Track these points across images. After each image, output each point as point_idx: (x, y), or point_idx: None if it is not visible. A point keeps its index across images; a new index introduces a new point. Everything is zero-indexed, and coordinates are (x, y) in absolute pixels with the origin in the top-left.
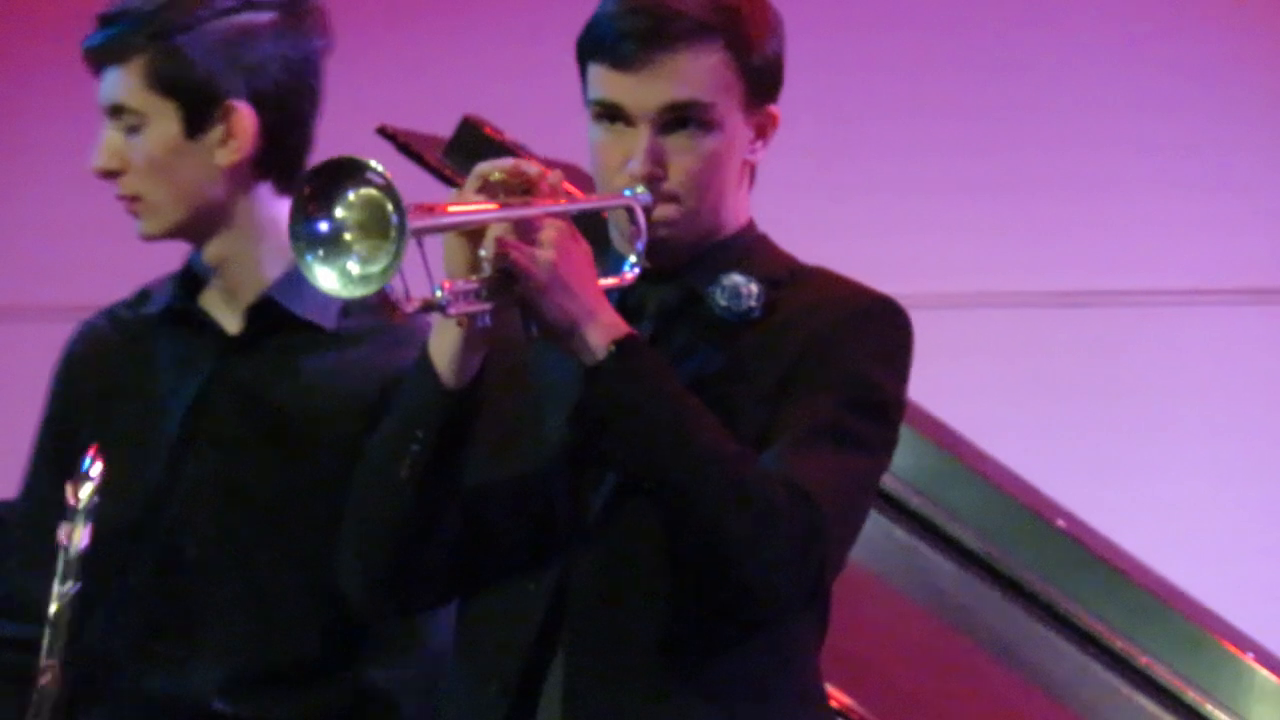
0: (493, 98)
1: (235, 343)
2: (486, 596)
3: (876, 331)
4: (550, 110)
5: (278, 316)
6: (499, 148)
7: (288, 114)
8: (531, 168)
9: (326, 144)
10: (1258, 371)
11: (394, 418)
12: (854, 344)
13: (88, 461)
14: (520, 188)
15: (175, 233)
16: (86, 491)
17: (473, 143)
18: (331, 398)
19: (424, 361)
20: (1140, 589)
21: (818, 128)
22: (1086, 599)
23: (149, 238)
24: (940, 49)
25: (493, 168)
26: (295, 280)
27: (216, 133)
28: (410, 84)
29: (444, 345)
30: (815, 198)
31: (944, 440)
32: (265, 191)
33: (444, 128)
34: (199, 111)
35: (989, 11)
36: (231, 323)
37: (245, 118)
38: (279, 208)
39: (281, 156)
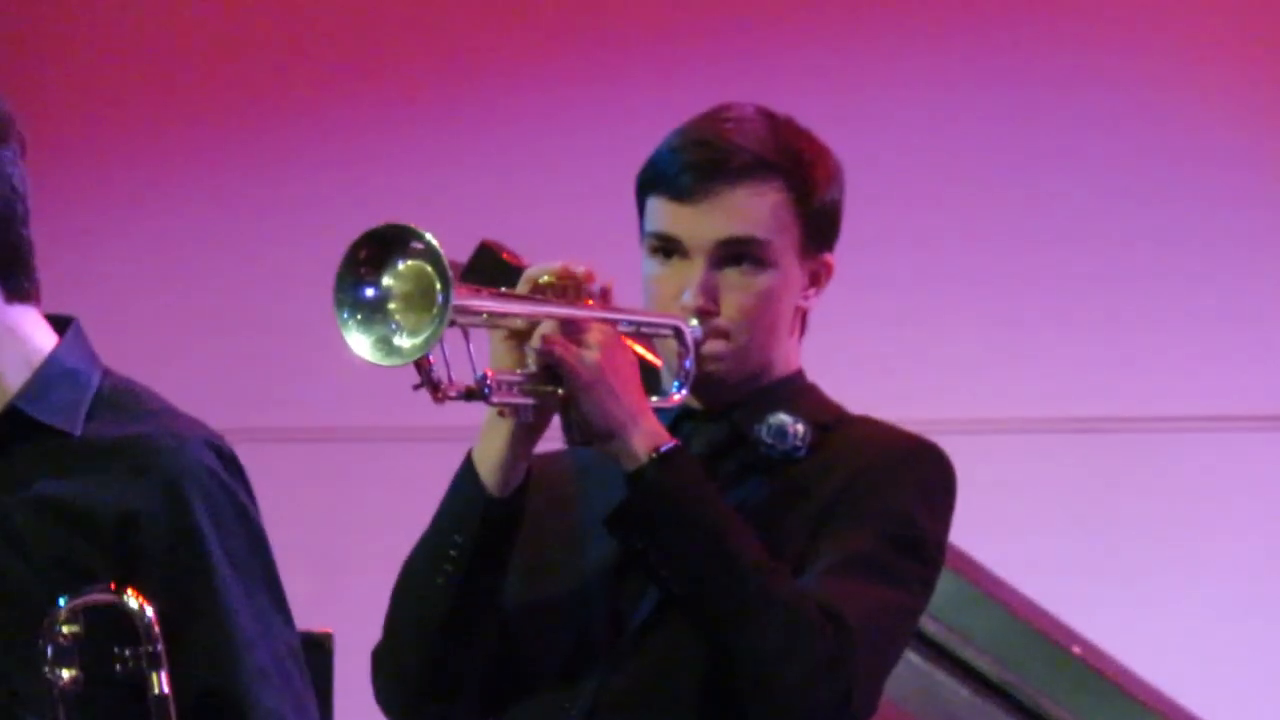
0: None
1: None
2: (519, 716)
3: (919, 473)
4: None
5: (23, 425)
6: (517, 272)
7: None
8: (579, 267)
9: None
10: None
11: (434, 522)
12: (896, 483)
13: None
14: (569, 290)
15: None
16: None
17: (490, 267)
18: (58, 525)
19: (468, 468)
20: (1156, 717)
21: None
22: None
23: None
24: (957, 180)
25: (542, 270)
26: (38, 387)
27: None
28: (425, 206)
29: (489, 452)
30: (832, 326)
31: (960, 566)
32: None
33: (461, 252)
34: None
35: (1007, 151)
36: None
37: None
38: (10, 315)
39: (1, 264)
